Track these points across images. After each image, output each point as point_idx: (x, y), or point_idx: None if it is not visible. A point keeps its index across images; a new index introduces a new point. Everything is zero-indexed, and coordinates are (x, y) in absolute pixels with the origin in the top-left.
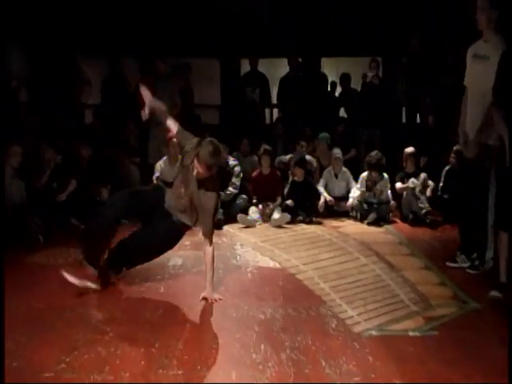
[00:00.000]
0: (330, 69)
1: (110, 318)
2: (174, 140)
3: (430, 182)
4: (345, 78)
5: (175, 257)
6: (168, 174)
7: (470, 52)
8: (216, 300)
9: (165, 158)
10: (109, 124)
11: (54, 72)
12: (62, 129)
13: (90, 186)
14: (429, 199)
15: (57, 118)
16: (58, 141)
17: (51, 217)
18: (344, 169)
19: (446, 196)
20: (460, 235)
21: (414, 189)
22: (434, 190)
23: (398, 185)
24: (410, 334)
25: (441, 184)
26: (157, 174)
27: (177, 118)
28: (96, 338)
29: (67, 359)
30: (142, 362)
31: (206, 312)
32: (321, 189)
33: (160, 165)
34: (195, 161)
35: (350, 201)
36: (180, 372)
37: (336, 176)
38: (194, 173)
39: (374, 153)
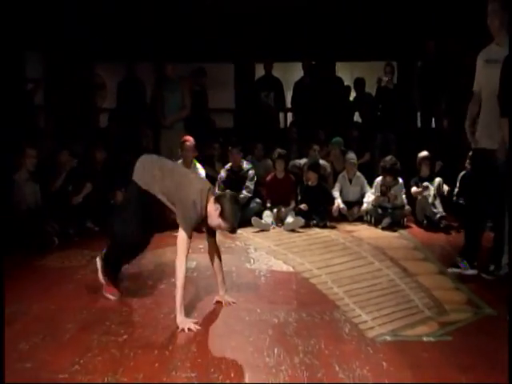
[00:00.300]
0: (344, 73)
1: (124, 320)
2: (188, 143)
3: (446, 187)
4: (359, 83)
5: (189, 260)
6: None
7: (482, 57)
8: (230, 303)
9: (180, 161)
10: (123, 127)
11: (70, 76)
12: (78, 132)
13: (104, 189)
14: (444, 204)
15: (72, 121)
16: (73, 144)
17: (66, 219)
18: (358, 173)
19: (461, 201)
20: (465, 240)
21: (427, 187)
22: (450, 195)
23: (414, 189)
24: (424, 339)
25: (456, 189)
26: None
27: (188, 121)
28: (110, 339)
29: (81, 361)
30: (156, 364)
31: (219, 315)
32: (336, 194)
33: None
34: (219, 217)
35: (365, 205)
36: (193, 374)
37: (350, 181)
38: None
39: (388, 157)
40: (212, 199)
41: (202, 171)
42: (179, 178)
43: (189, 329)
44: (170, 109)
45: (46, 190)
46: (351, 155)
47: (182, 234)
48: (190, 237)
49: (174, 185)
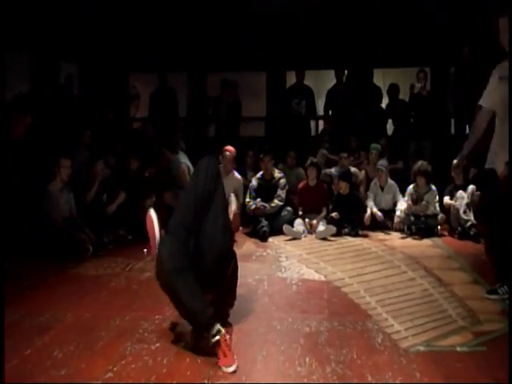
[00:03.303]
0: (376, 79)
1: (157, 328)
2: (228, 154)
3: (478, 193)
4: (393, 89)
5: None
6: None
7: (496, 74)
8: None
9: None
10: (157, 134)
11: (105, 87)
12: (112, 142)
13: (138, 197)
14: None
15: (106, 131)
16: (107, 154)
17: (101, 228)
18: (391, 181)
19: None
20: (498, 262)
21: (462, 199)
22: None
23: (446, 200)
24: (458, 349)
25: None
26: None
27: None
28: (143, 347)
29: (114, 368)
30: (188, 372)
31: (251, 324)
32: (370, 203)
33: None
34: None
35: (397, 213)
36: (225, 383)
37: (382, 188)
38: None
39: (420, 161)
40: None
41: (240, 181)
42: None
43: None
44: None
45: (80, 199)
46: (381, 162)
47: None
48: None
49: None
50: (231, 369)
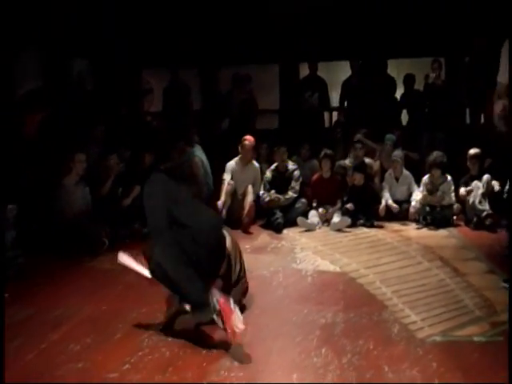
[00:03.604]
0: (390, 70)
1: None
2: (248, 143)
3: (494, 183)
4: (409, 79)
5: None
6: (239, 175)
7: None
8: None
9: (237, 158)
10: (171, 128)
11: (119, 82)
12: (125, 136)
13: None
14: (493, 201)
15: (120, 126)
16: (121, 148)
17: (116, 222)
18: (406, 172)
19: None
20: None
21: (471, 191)
22: (500, 193)
23: (462, 190)
24: (475, 339)
25: (507, 187)
26: (228, 175)
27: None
28: (159, 339)
29: (132, 360)
30: (204, 364)
31: (266, 316)
32: (386, 194)
33: (231, 165)
34: None
35: (413, 204)
36: (241, 374)
37: (397, 179)
38: None
39: (435, 152)
40: None
41: (258, 171)
42: None
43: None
44: None
45: (95, 193)
46: (396, 153)
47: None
48: None
49: None
50: (239, 327)
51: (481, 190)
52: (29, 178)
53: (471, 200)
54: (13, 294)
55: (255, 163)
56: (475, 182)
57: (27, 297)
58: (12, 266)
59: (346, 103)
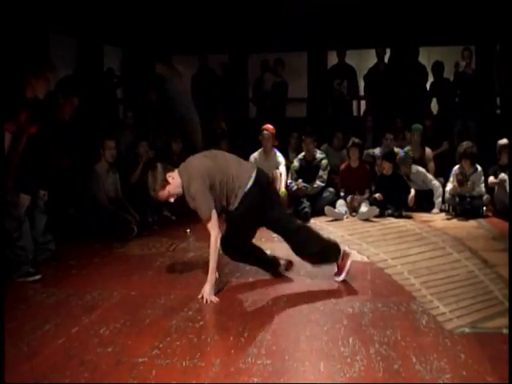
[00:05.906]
0: (421, 58)
1: (202, 307)
2: (266, 132)
3: None
4: (438, 67)
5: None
6: (262, 166)
7: None
8: (211, 301)
9: (260, 149)
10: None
11: (149, 69)
12: (156, 124)
13: None
14: None
15: (150, 113)
16: (151, 135)
17: (145, 208)
18: (418, 169)
19: None
20: None
21: (504, 181)
22: None
23: (491, 179)
24: (504, 331)
25: None
26: None
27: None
28: (188, 325)
29: (160, 345)
30: (232, 351)
31: (294, 304)
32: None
33: (254, 156)
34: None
35: (437, 193)
36: (268, 361)
37: (408, 178)
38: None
39: (465, 142)
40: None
41: (281, 159)
42: None
43: (211, 300)
44: None
45: (126, 180)
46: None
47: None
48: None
49: None
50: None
51: (507, 182)
52: (63, 164)
53: (501, 190)
54: (46, 278)
55: (278, 153)
56: (502, 175)
57: (59, 282)
58: (42, 251)
59: (370, 92)
